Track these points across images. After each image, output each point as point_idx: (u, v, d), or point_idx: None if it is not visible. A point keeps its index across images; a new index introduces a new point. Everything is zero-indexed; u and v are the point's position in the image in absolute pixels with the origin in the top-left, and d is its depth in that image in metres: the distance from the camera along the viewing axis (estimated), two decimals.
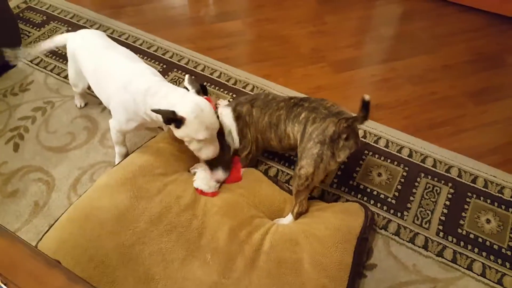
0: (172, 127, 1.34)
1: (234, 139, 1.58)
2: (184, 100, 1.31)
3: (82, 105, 1.92)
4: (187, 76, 1.46)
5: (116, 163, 1.63)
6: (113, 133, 1.56)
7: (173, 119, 1.28)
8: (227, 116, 1.57)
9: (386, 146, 1.79)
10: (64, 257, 1.23)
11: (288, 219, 1.46)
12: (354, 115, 1.28)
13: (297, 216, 1.45)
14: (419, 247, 1.48)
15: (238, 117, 1.56)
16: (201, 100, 1.34)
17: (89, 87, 1.71)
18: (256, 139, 1.57)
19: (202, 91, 1.43)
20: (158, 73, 1.48)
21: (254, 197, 1.51)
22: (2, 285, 0.81)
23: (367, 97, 1.15)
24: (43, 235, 1.32)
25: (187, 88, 1.41)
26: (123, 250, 1.28)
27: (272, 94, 1.57)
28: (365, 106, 1.17)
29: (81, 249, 1.26)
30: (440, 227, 1.53)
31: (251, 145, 1.58)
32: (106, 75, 1.47)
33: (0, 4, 1.96)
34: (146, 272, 1.26)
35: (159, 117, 1.31)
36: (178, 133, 1.35)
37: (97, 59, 1.51)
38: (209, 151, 1.39)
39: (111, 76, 1.45)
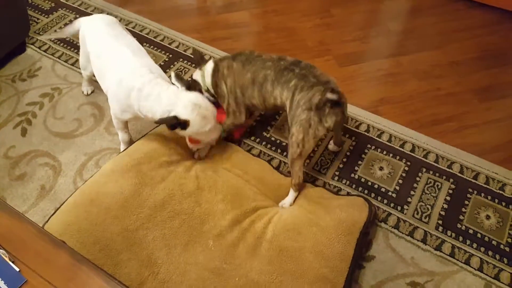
0: (177, 130, 1.37)
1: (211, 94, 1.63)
2: (180, 101, 1.33)
3: (89, 92, 1.94)
4: (172, 73, 1.46)
5: (122, 150, 1.66)
6: (113, 119, 1.59)
7: (177, 124, 1.31)
8: (208, 72, 1.59)
9: (389, 140, 1.80)
10: (70, 239, 1.26)
11: (290, 195, 1.50)
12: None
13: (295, 188, 1.48)
14: (418, 240, 1.49)
15: (216, 71, 1.58)
16: (194, 96, 1.37)
17: None
18: (234, 93, 1.56)
19: (190, 86, 1.45)
20: (157, 68, 1.48)
21: (261, 184, 1.54)
22: (10, 263, 0.83)
23: (330, 95, 1.30)
24: (49, 218, 1.35)
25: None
26: (127, 234, 1.31)
27: (258, 52, 1.56)
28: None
29: (86, 232, 1.29)
30: (440, 222, 1.54)
31: (228, 98, 1.57)
32: (107, 65, 1.49)
33: None
34: (149, 256, 1.29)
35: (154, 117, 1.35)
36: (186, 133, 1.39)
37: (101, 46, 1.52)
38: (215, 134, 1.46)
39: (110, 67, 1.47)
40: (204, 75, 1.61)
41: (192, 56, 1.68)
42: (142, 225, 1.33)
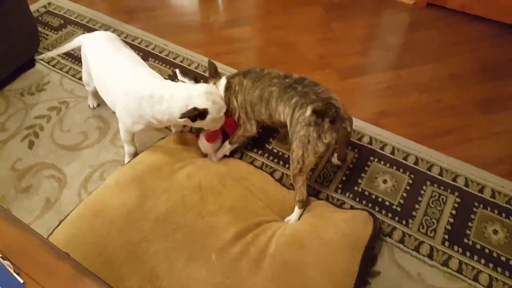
0: (197, 122, 1.42)
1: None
2: (193, 94, 1.39)
3: (95, 105, 1.97)
4: (177, 70, 1.53)
5: (126, 162, 1.67)
6: (121, 132, 1.61)
7: (198, 114, 1.37)
8: (222, 86, 1.64)
9: (392, 153, 1.80)
10: (73, 251, 1.25)
11: (295, 212, 1.50)
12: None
13: (300, 205, 1.49)
14: (424, 255, 1.47)
15: (228, 87, 1.62)
16: (203, 86, 1.44)
17: None
18: (244, 108, 1.60)
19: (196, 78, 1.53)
20: (157, 74, 1.52)
21: (265, 196, 1.55)
22: (15, 274, 0.84)
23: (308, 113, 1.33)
24: (54, 230, 1.36)
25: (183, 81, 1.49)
26: (129, 247, 1.31)
27: (267, 69, 1.60)
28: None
29: (90, 245, 1.30)
30: (446, 236, 1.52)
31: (239, 111, 1.62)
32: (110, 80, 1.51)
33: (22, 8, 2.04)
34: (151, 270, 1.28)
35: (172, 117, 1.38)
36: (204, 123, 1.44)
37: (102, 63, 1.56)
38: (221, 121, 1.52)
39: (114, 82, 1.49)
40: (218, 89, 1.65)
41: (207, 67, 1.74)
42: (145, 237, 1.33)
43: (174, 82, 1.45)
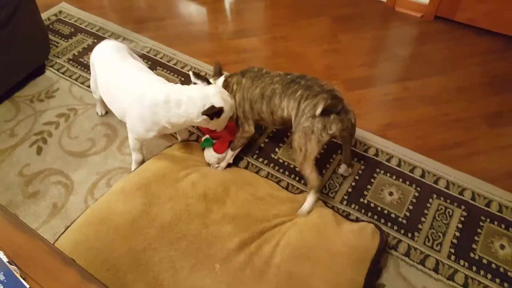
0: (213, 121, 1.46)
1: None
2: (209, 94, 1.44)
3: (103, 113, 1.99)
4: (191, 72, 1.56)
5: (132, 169, 1.68)
6: (131, 140, 1.62)
7: (215, 113, 1.42)
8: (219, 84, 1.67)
9: (398, 165, 1.79)
10: (79, 258, 1.27)
11: (308, 201, 1.52)
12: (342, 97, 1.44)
13: (315, 189, 1.50)
14: (429, 269, 1.46)
15: (226, 86, 1.64)
16: (215, 87, 1.48)
17: None
18: (242, 107, 1.62)
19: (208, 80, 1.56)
20: (165, 81, 1.54)
21: (270, 197, 1.56)
22: (21, 279, 0.84)
23: (318, 112, 1.35)
24: (60, 236, 1.37)
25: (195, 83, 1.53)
26: (134, 254, 1.31)
27: (265, 69, 1.64)
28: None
29: (95, 251, 1.30)
30: (452, 250, 1.51)
31: (236, 111, 1.64)
32: (117, 90, 1.53)
33: (33, 17, 2.08)
34: (155, 277, 1.28)
35: (189, 118, 1.43)
36: (218, 121, 1.48)
37: (108, 73, 1.57)
38: (225, 121, 1.55)
39: (122, 91, 1.50)
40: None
41: (213, 66, 1.79)
42: (149, 245, 1.34)
43: (186, 85, 1.48)
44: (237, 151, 1.73)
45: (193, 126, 1.90)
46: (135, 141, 1.61)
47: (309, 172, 1.48)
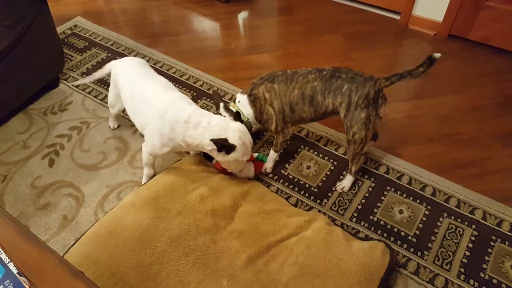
0: (221, 154, 1.47)
1: (252, 124, 1.72)
2: (229, 128, 1.45)
3: (115, 126, 2.02)
4: (221, 104, 1.59)
5: (143, 183, 1.69)
6: (145, 155, 1.63)
7: (225, 146, 1.42)
8: (243, 104, 1.66)
9: (409, 183, 1.78)
10: (87, 270, 1.28)
11: (348, 179, 1.73)
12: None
13: (355, 173, 1.71)
14: None
15: (254, 101, 1.64)
16: (241, 126, 1.49)
17: (123, 110, 1.83)
18: (282, 112, 1.62)
19: (236, 117, 1.57)
20: (191, 101, 1.56)
21: (278, 212, 1.55)
22: None
23: (437, 55, 1.39)
24: (69, 248, 1.37)
25: (222, 115, 1.54)
26: (142, 268, 1.31)
27: (287, 70, 1.63)
28: (430, 62, 1.41)
29: (103, 264, 1.30)
30: (462, 270, 1.49)
31: (276, 119, 1.63)
32: (142, 103, 1.55)
33: (49, 30, 2.14)
34: None
35: (202, 143, 1.44)
36: (226, 158, 1.48)
37: (135, 86, 1.60)
38: (240, 166, 1.60)
39: (147, 104, 1.53)
40: (239, 108, 1.67)
41: (212, 94, 1.80)
42: (157, 260, 1.34)
43: (210, 112, 1.50)
44: (279, 152, 1.79)
45: None
46: (149, 156, 1.62)
47: (357, 159, 1.65)
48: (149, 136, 1.55)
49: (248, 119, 1.68)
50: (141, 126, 1.60)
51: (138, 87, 1.59)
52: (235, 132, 1.44)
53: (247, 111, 1.67)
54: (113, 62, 1.76)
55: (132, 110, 1.62)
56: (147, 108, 1.52)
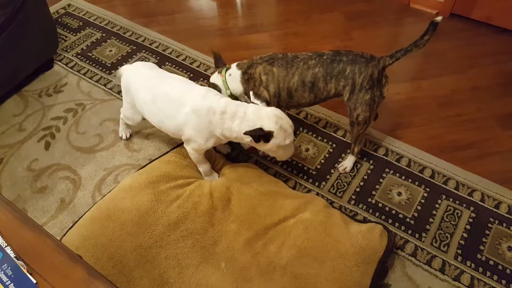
0: (261, 144, 1.41)
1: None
2: (264, 115, 1.39)
3: (128, 136, 1.87)
4: (251, 92, 1.55)
5: (205, 180, 1.61)
6: (193, 155, 1.56)
7: (262, 135, 1.37)
8: (234, 78, 1.60)
9: (408, 165, 1.77)
10: (85, 253, 1.28)
11: (350, 159, 1.73)
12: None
13: (357, 154, 1.71)
14: (435, 270, 1.45)
15: (248, 80, 1.58)
16: (275, 110, 1.42)
17: (143, 118, 1.65)
18: (278, 96, 1.57)
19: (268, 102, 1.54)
20: (217, 91, 1.49)
21: (276, 193, 1.54)
22: (28, 274, 0.85)
23: (439, 18, 1.36)
24: (67, 231, 1.38)
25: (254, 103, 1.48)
26: (140, 251, 1.32)
27: (288, 53, 1.56)
28: (434, 27, 1.38)
29: (101, 247, 1.31)
30: (459, 251, 1.50)
31: (270, 102, 1.58)
32: (169, 104, 1.45)
33: (41, 10, 2.08)
34: (161, 275, 1.29)
35: (240, 136, 1.39)
36: (267, 146, 1.42)
37: (155, 88, 1.48)
38: (291, 150, 1.52)
39: (177, 103, 1.43)
40: (226, 80, 1.61)
41: (214, 58, 1.72)
42: (156, 243, 1.34)
43: (243, 103, 1.44)
44: None
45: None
46: (196, 154, 1.54)
47: (360, 140, 1.64)
48: (191, 136, 1.46)
49: (231, 93, 1.62)
50: (172, 129, 1.48)
51: (159, 88, 1.47)
52: (270, 118, 1.38)
53: (235, 86, 1.60)
54: (122, 69, 1.64)
55: (157, 114, 1.50)
56: (177, 107, 1.43)
